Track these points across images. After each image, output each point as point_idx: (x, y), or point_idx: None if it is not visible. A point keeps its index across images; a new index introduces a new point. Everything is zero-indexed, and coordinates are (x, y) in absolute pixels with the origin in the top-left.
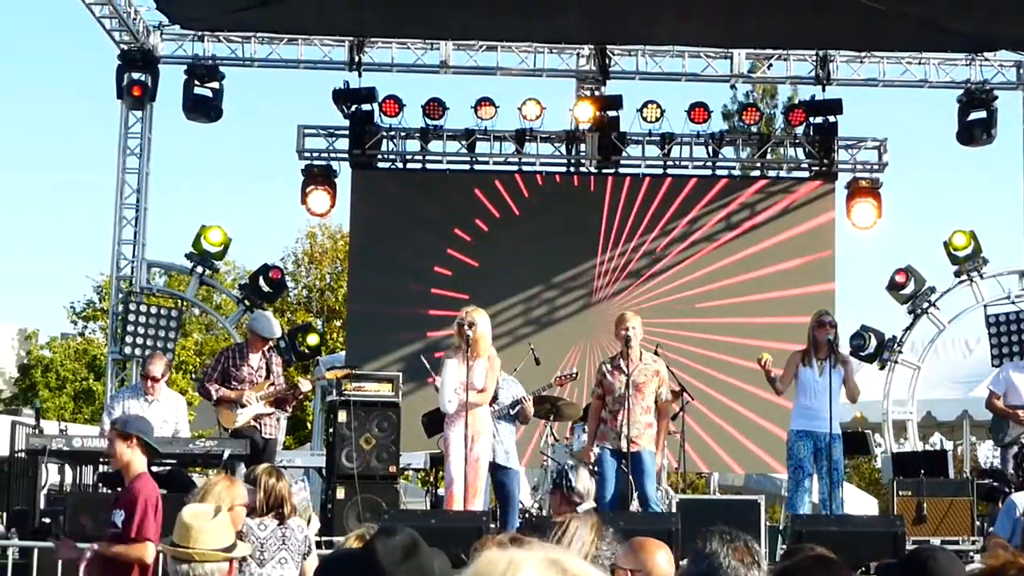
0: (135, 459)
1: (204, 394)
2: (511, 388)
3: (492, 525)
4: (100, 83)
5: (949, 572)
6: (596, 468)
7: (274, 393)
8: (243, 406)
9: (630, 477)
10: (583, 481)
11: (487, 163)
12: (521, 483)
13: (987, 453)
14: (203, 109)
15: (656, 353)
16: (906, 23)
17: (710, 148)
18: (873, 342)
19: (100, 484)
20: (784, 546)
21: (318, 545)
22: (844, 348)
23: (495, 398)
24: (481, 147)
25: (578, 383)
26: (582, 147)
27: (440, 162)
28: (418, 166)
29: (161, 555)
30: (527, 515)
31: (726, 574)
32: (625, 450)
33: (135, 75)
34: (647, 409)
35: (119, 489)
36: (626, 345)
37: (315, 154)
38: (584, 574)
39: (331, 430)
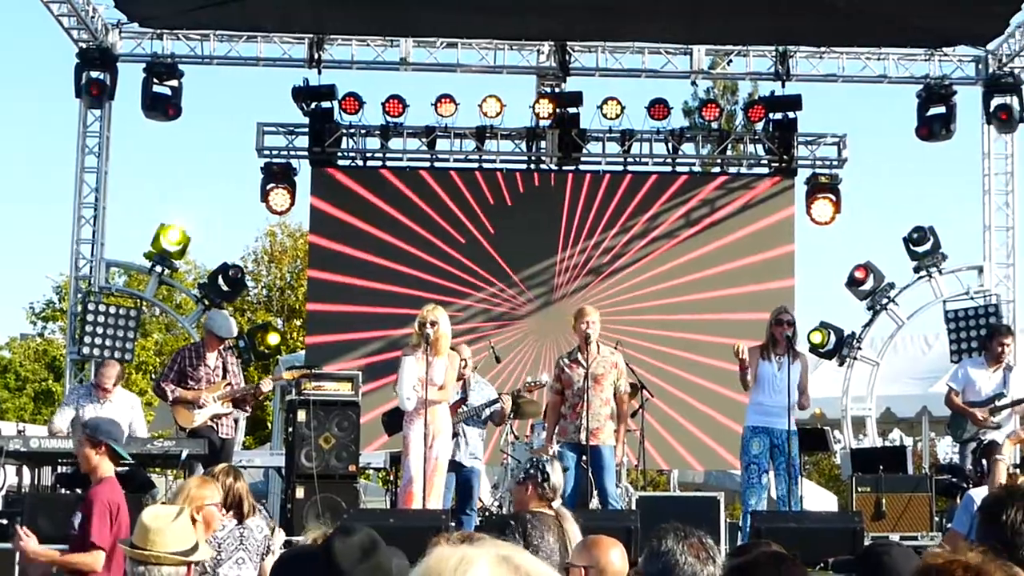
0: (102, 464)
1: (160, 394)
2: (483, 390)
3: (451, 524)
4: (58, 82)
5: (904, 567)
6: None
7: (231, 393)
8: (200, 407)
9: (590, 474)
10: (557, 475)
11: (447, 160)
12: (482, 481)
13: (946, 449)
14: (162, 107)
15: (616, 349)
16: (865, 19)
17: (670, 145)
18: (832, 339)
19: (58, 485)
20: (742, 543)
21: None
22: (803, 345)
23: (464, 399)
24: (441, 144)
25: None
26: (542, 144)
27: (400, 159)
28: (378, 163)
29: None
30: (487, 513)
31: (683, 571)
32: (584, 443)
33: (94, 73)
34: (606, 401)
35: (79, 492)
36: (585, 339)
37: (274, 152)
38: (536, 570)
39: (290, 429)
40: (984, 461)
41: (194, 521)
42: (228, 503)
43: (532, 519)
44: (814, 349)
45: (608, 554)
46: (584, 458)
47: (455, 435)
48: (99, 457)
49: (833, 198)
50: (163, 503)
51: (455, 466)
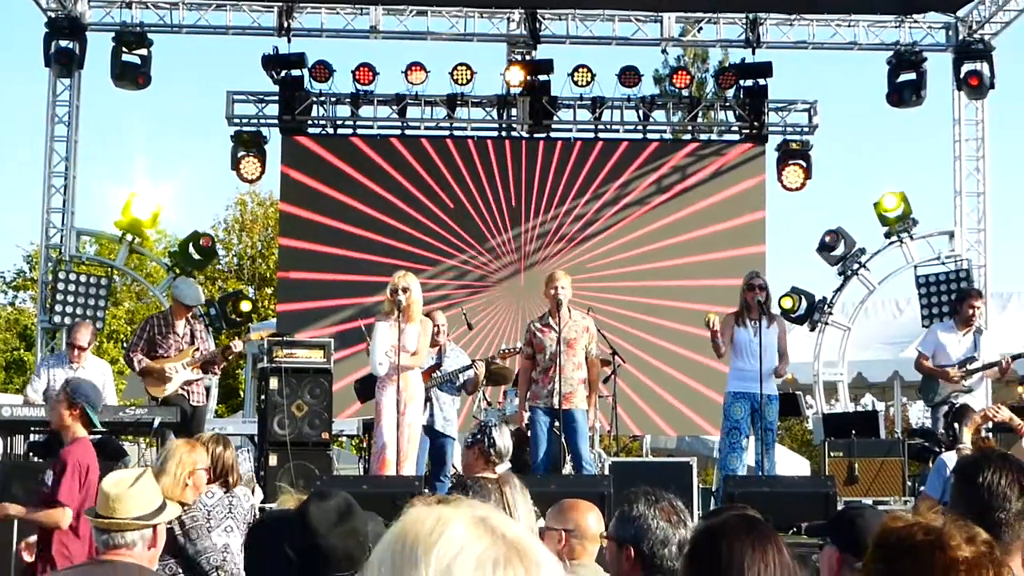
0: (74, 426)
1: (129, 364)
2: (458, 357)
3: (425, 491)
4: (27, 51)
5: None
6: (529, 430)
7: (199, 358)
8: (167, 378)
9: (563, 439)
10: (505, 440)
11: (418, 128)
12: (456, 449)
13: (918, 413)
14: (131, 76)
15: (588, 314)
16: None
17: (641, 112)
18: (803, 304)
19: (31, 453)
20: (716, 507)
21: None
22: (775, 309)
23: (439, 366)
24: (412, 112)
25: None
26: (513, 111)
27: (371, 127)
28: (349, 131)
29: None
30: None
31: (655, 535)
32: (558, 407)
33: (63, 43)
34: (578, 365)
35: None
36: (556, 304)
37: (245, 120)
38: (511, 530)
39: (263, 397)
40: (956, 425)
41: (185, 486)
42: (217, 472)
43: (473, 485)
44: (785, 314)
45: (585, 517)
46: (557, 423)
47: (428, 400)
48: (72, 419)
49: (804, 164)
50: (153, 469)
51: (429, 432)
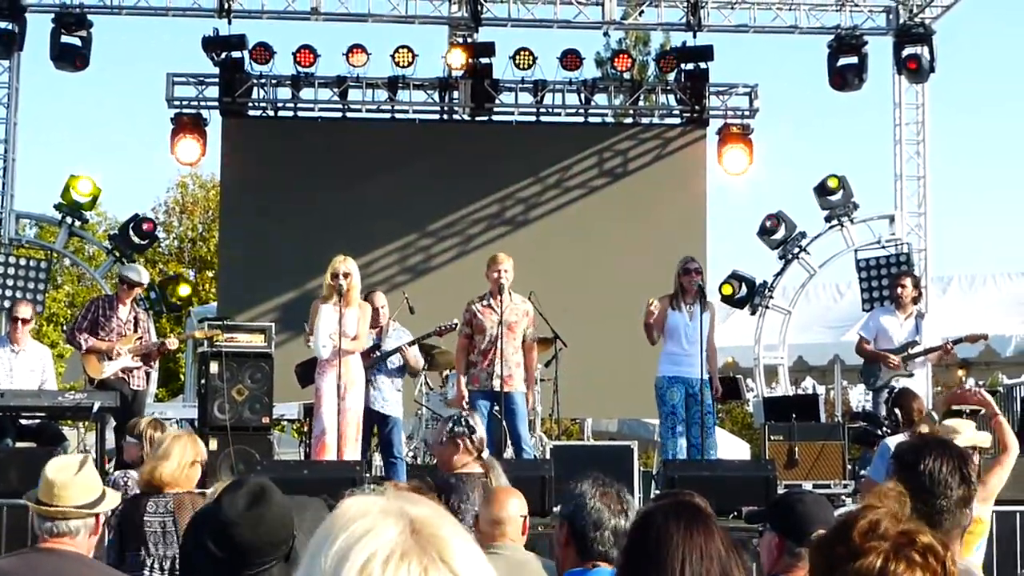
0: None
1: (73, 342)
2: (401, 338)
3: (366, 475)
4: None
5: (816, 516)
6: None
7: (142, 347)
8: (111, 358)
9: (503, 420)
10: (481, 429)
11: (360, 111)
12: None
13: (858, 397)
14: (71, 58)
15: (530, 299)
16: None
17: (583, 95)
18: (743, 289)
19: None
20: (657, 491)
21: None
22: (711, 296)
23: (378, 347)
24: (353, 94)
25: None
26: (455, 94)
27: (312, 110)
28: (290, 114)
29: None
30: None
31: (588, 515)
32: (498, 390)
33: (2, 24)
34: (517, 348)
35: None
36: (498, 287)
37: (185, 102)
38: (428, 521)
39: (203, 381)
40: (897, 410)
41: (186, 476)
42: None
43: (456, 482)
44: (725, 300)
45: (504, 504)
46: (497, 408)
47: (367, 382)
48: None
49: (746, 148)
50: (156, 456)
51: (374, 415)
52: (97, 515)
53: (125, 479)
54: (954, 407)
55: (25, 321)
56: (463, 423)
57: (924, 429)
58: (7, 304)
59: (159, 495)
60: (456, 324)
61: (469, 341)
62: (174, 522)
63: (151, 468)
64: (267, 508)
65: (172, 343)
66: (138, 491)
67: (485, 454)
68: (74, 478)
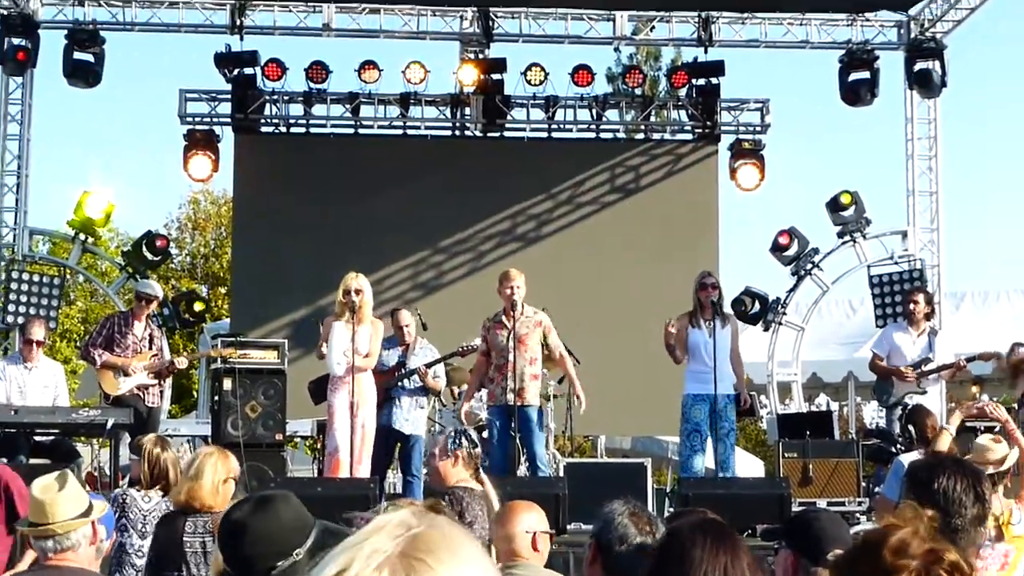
0: None
1: (87, 358)
2: (428, 356)
3: (378, 492)
4: None
5: (832, 534)
6: (487, 429)
7: (156, 364)
8: (127, 374)
9: (517, 439)
10: (478, 443)
11: (371, 127)
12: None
13: (872, 414)
14: (83, 74)
15: (542, 309)
16: None
17: (594, 111)
18: (756, 306)
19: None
20: (671, 509)
21: None
22: (729, 309)
23: (403, 364)
24: (365, 111)
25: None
26: (467, 110)
27: (324, 126)
28: (302, 130)
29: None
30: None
31: (615, 531)
32: (512, 404)
33: (15, 40)
34: (531, 361)
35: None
36: (511, 304)
37: (197, 119)
38: (424, 547)
39: (216, 398)
40: (911, 427)
41: (217, 493)
42: (154, 475)
43: (465, 495)
44: (738, 317)
45: (514, 521)
46: (512, 422)
47: (390, 399)
48: None
49: (758, 164)
50: (189, 476)
51: (396, 434)
52: (93, 522)
53: (123, 497)
54: (968, 423)
55: (39, 343)
56: (464, 435)
57: (942, 446)
58: (20, 321)
59: (196, 514)
60: (477, 344)
61: (486, 359)
62: (214, 541)
63: (187, 488)
64: (271, 514)
65: (181, 362)
66: (172, 509)
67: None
68: (60, 494)
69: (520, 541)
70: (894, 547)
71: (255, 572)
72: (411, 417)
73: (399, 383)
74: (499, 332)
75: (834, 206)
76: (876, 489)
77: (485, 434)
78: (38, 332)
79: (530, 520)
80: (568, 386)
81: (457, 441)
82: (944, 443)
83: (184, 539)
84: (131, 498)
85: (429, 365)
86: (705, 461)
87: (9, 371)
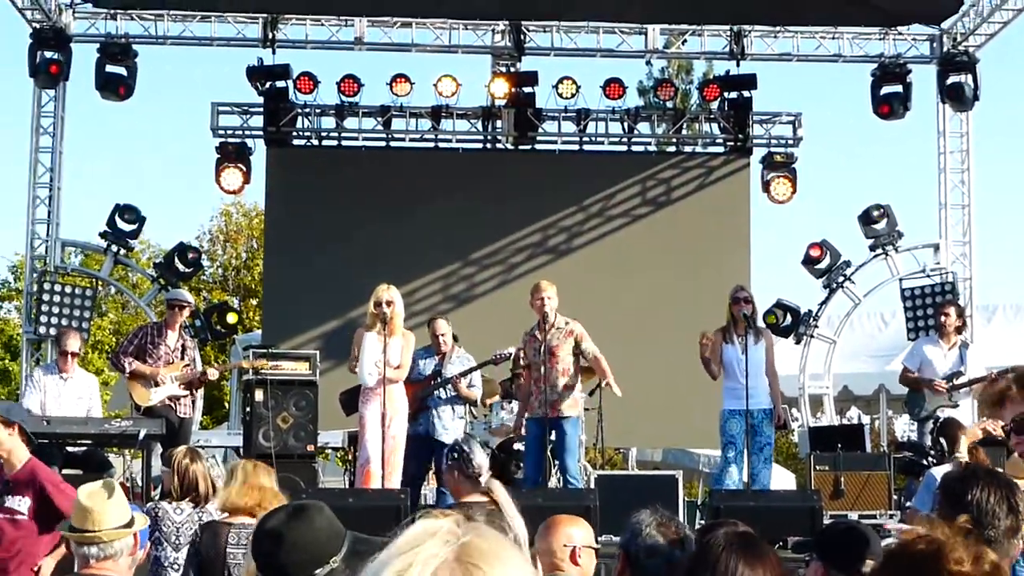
0: (17, 446)
1: (117, 366)
2: (465, 365)
3: (409, 503)
4: (12, 62)
5: (863, 545)
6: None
7: (188, 375)
8: (157, 384)
9: (548, 450)
10: (479, 454)
11: (403, 140)
12: None
13: (904, 427)
14: (115, 87)
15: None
16: None
17: (626, 124)
18: (788, 319)
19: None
20: (702, 521)
21: None
22: (763, 323)
23: (439, 373)
24: (397, 124)
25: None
26: (498, 123)
27: (356, 139)
28: (334, 143)
29: None
30: None
31: (643, 541)
32: (546, 416)
33: (48, 54)
34: (564, 372)
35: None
36: (543, 315)
37: (229, 132)
38: (478, 553)
39: (248, 409)
40: (942, 439)
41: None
42: (185, 487)
43: (470, 510)
44: (770, 328)
45: (558, 534)
46: (547, 433)
47: (426, 409)
48: (13, 439)
49: (790, 177)
50: (231, 485)
51: (433, 443)
52: (135, 534)
53: (156, 510)
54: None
55: (75, 354)
56: (458, 449)
57: (962, 456)
58: (52, 332)
59: (240, 526)
60: (511, 353)
61: (528, 372)
62: None
63: (228, 496)
64: (307, 523)
65: (213, 373)
66: (213, 518)
67: (484, 478)
68: (108, 502)
69: (560, 555)
70: (958, 558)
71: None
72: (451, 427)
73: (434, 392)
74: (533, 345)
75: (866, 219)
76: (907, 502)
77: (520, 445)
78: (74, 343)
79: (571, 534)
80: (600, 398)
81: (453, 455)
82: (962, 445)
83: (228, 549)
84: (163, 511)
85: (463, 374)
86: (740, 475)
87: (45, 381)
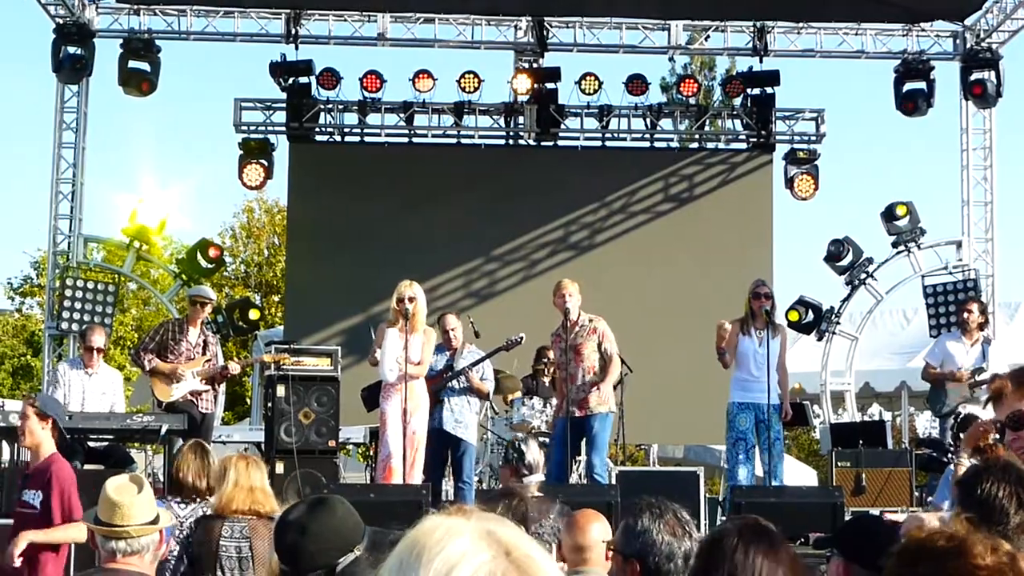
0: (46, 440)
1: (138, 363)
2: (475, 358)
3: (430, 498)
4: (35, 57)
5: (884, 541)
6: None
7: (210, 370)
8: (177, 380)
9: (569, 446)
10: (532, 453)
11: (426, 135)
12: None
13: (925, 423)
14: (138, 83)
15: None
16: None
17: (648, 120)
18: (810, 315)
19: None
20: (723, 517)
21: None
22: (780, 319)
23: (451, 367)
24: (419, 119)
25: (517, 356)
26: (520, 119)
27: (378, 135)
28: (356, 139)
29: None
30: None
31: (660, 550)
32: (575, 414)
33: (71, 49)
34: (589, 370)
35: (27, 469)
36: (565, 313)
37: (252, 127)
38: (517, 544)
39: (270, 405)
40: (962, 435)
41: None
42: (177, 481)
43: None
44: (792, 326)
45: (585, 529)
46: (573, 429)
47: (439, 403)
48: (45, 432)
49: (812, 173)
50: (213, 482)
51: (448, 437)
52: (161, 531)
53: (168, 505)
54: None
55: (100, 350)
56: (514, 447)
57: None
58: (74, 327)
59: (233, 520)
60: (522, 338)
61: (558, 370)
62: (250, 548)
63: (223, 493)
64: (328, 513)
65: (234, 368)
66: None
67: (532, 479)
68: (137, 497)
69: (597, 551)
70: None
71: (318, 568)
72: (462, 420)
73: (447, 385)
74: (558, 345)
75: (889, 216)
76: (928, 499)
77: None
78: (99, 339)
79: (604, 530)
80: (621, 393)
81: (509, 452)
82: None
83: (221, 543)
84: (168, 504)
85: (473, 364)
86: (753, 470)
87: (70, 376)
